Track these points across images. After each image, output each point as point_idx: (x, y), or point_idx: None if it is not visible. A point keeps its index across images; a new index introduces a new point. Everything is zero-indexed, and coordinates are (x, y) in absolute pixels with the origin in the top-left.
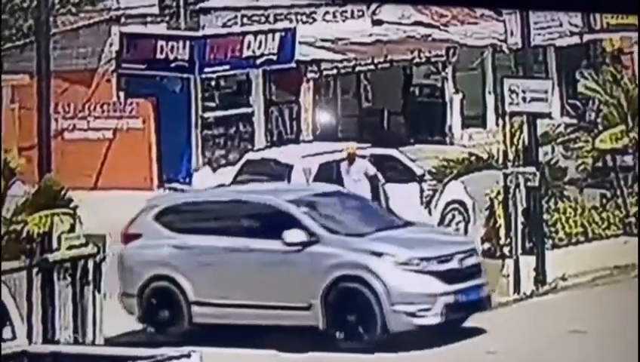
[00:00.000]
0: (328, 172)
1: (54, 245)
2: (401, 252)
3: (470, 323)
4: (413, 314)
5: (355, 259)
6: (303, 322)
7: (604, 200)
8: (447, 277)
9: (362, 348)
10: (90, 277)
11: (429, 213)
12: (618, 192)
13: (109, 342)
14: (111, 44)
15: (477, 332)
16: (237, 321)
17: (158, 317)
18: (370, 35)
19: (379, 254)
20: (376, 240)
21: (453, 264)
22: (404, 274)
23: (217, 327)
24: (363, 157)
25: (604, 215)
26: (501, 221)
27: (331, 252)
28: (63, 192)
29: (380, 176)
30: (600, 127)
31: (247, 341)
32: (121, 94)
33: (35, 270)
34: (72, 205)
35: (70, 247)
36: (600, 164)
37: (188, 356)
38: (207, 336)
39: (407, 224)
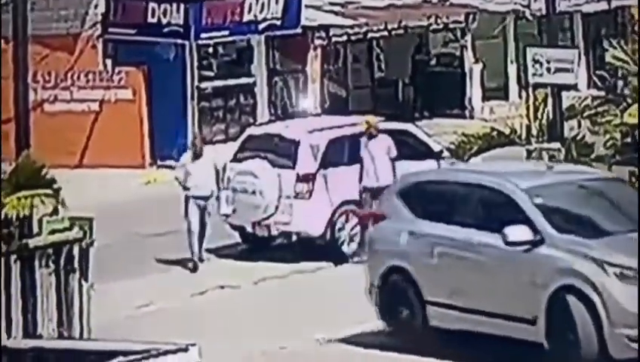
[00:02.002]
0: (338, 149)
1: (35, 229)
2: (629, 262)
3: None
4: (636, 340)
5: (576, 267)
6: (527, 337)
7: (633, 178)
8: None
9: None
10: (76, 264)
11: None
12: None
13: (346, 341)
14: (96, 6)
15: None
16: (466, 327)
17: (395, 315)
18: None
19: (605, 264)
20: (606, 245)
21: None
22: (628, 289)
23: (454, 333)
24: (385, 132)
25: None
26: None
27: (555, 255)
28: (44, 171)
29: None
30: (629, 100)
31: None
32: (109, 62)
33: (13, 257)
34: (54, 185)
35: (53, 231)
36: (629, 139)
37: (185, 350)
38: (444, 343)
39: (631, 230)
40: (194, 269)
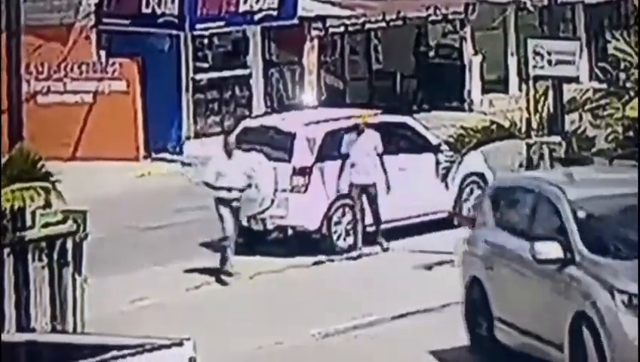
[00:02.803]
0: (335, 142)
1: (28, 222)
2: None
3: None
4: None
5: (591, 291)
6: None
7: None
8: None
9: None
10: (70, 257)
11: (446, 187)
12: None
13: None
14: None
15: None
16: (522, 348)
17: (474, 329)
18: None
19: (615, 290)
20: (625, 269)
21: None
22: (632, 320)
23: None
24: (374, 127)
25: None
26: None
27: (580, 277)
28: (38, 163)
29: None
30: (632, 93)
31: None
32: (102, 53)
33: (6, 250)
34: (48, 177)
35: (46, 224)
36: (631, 133)
37: (180, 344)
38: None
39: None
40: (224, 282)
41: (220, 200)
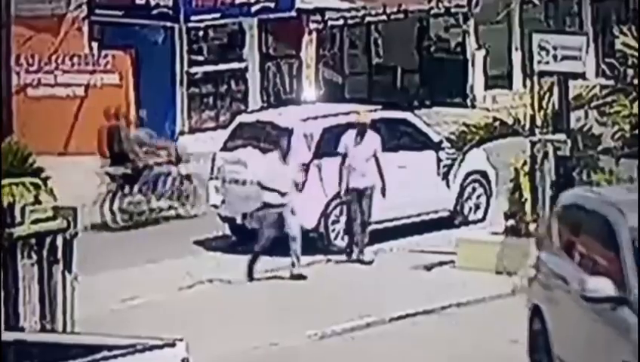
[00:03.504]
0: (333, 138)
1: (17, 218)
2: None
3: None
4: None
5: (632, 337)
6: None
7: None
8: None
9: None
10: (59, 255)
11: (447, 185)
12: None
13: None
14: None
15: None
16: None
17: None
18: None
19: None
20: None
21: None
22: None
23: None
24: (374, 125)
25: None
26: (527, 195)
27: (629, 321)
28: (28, 158)
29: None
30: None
31: None
32: (95, 45)
33: None
34: (39, 173)
35: (36, 221)
36: (638, 131)
37: (172, 345)
38: None
39: None
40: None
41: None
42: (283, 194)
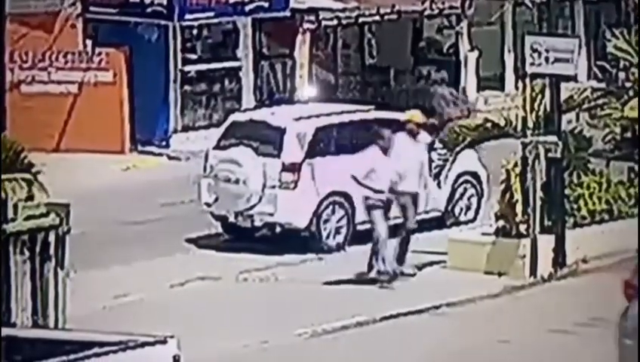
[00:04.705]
0: (326, 138)
1: (10, 214)
2: None
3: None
4: None
5: None
6: None
7: (632, 175)
8: None
9: None
10: (52, 251)
11: (438, 185)
12: None
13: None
14: None
15: None
16: None
17: None
18: None
19: None
20: None
21: None
22: None
23: None
24: (375, 121)
25: (631, 191)
26: (518, 196)
27: None
28: (20, 154)
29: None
30: (630, 93)
31: None
32: (89, 42)
33: None
34: (31, 169)
35: (28, 217)
36: (629, 134)
37: (164, 342)
38: None
39: None
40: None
41: (372, 207)
42: (379, 192)
